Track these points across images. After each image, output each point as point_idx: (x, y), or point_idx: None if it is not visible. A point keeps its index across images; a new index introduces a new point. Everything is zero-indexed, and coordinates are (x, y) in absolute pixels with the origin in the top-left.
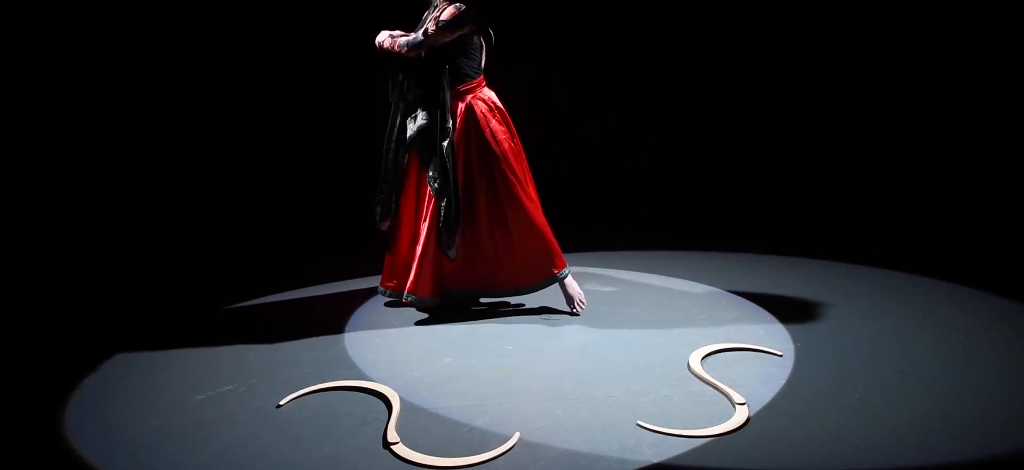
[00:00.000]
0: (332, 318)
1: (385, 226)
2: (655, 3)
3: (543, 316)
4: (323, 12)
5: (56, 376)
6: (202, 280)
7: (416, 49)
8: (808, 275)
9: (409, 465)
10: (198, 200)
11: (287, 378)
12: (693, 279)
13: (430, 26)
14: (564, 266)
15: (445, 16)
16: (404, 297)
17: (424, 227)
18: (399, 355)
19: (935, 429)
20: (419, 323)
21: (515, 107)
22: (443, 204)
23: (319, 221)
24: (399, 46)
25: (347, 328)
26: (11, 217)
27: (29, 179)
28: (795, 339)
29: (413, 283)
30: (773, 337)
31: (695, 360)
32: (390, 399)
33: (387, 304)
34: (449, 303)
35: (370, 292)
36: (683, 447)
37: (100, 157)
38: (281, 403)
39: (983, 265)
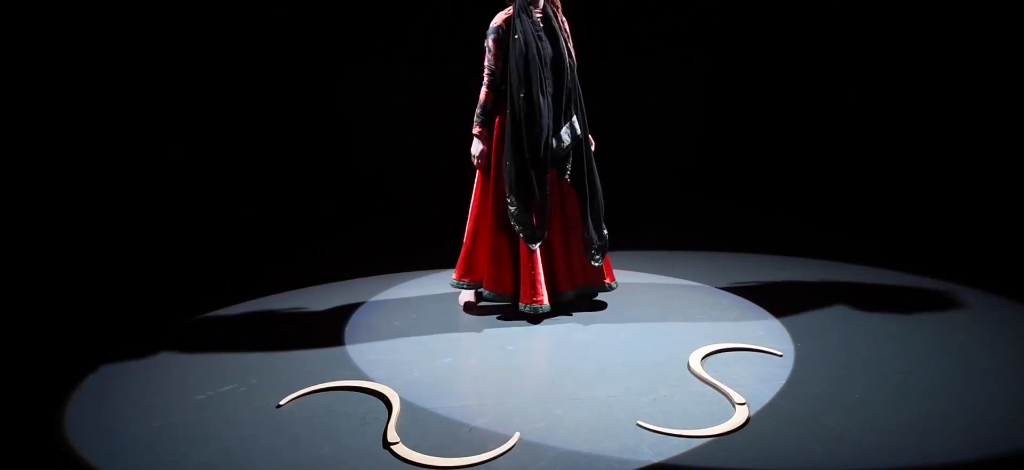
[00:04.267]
0: (332, 318)
1: (539, 244)
2: (663, 2)
3: (543, 316)
4: (324, 11)
5: (56, 376)
6: (203, 280)
7: None
8: (808, 275)
9: (409, 465)
10: (198, 200)
11: (287, 378)
12: (693, 279)
13: (573, 48)
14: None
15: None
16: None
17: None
18: (399, 355)
19: (935, 429)
20: (419, 323)
21: None
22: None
23: (319, 221)
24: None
25: (347, 328)
26: (13, 216)
27: (30, 179)
28: (795, 339)
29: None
30: (773, 337)
31: (695, 360)
32: (390, 399)
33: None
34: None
35: (371, 292)
36: (683, 447)
37: (101, 157)
38: (281, 403)
39: (983, 265)
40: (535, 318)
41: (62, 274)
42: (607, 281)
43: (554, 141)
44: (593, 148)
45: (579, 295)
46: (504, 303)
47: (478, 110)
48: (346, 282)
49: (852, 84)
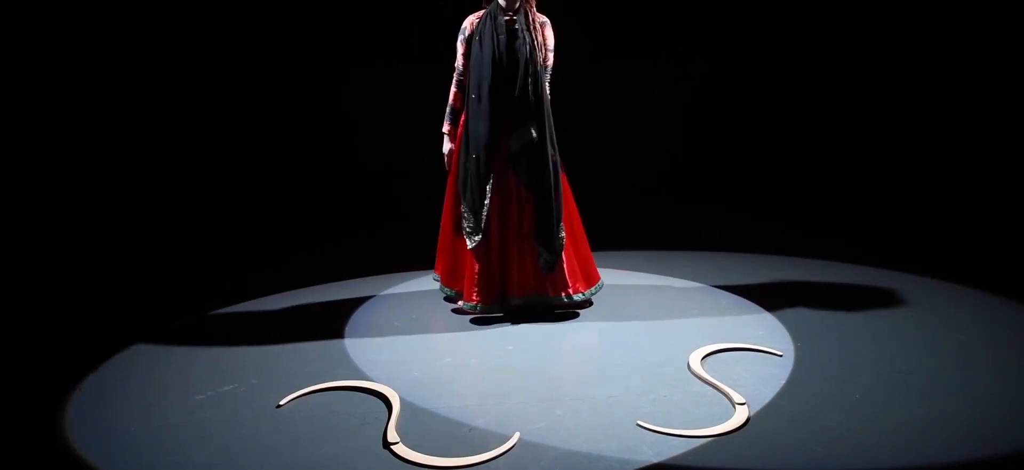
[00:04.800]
0: (332, 318)
1: (474, 244)
2: (663, 2)
3: (543, 316)
4: (324, 11)
5: (57, 376)
6: (203, 280)
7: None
8: (808, 275)
9: (409, 465)
10: (198, 200)
11: (287, 378)
12: (693, 279)
13: (550, 57)
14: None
15: (552, 39)
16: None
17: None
18: (399, 355)
19: (935, 429)
20: (419, 323)
21: None
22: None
23: (319, 221)
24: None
25: (347, 328)
26: (12, 218)
27: (30, 180)
28: (795, 339)
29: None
30: (773, 337)
31: (695, 360)
32: (390, 399)
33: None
34: (508, 311)
35: (370, 292)
36: (683, 447)
37: (100, 158)
38: (281, 403)
39: (983, 265)
40: (477, 319)
41: (62, 274)
42: (567, 293)
43: (500, 144)
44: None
45: (528, 304)
46: (456, 298)
47: (447, 110)
48: (346, 282)
49: (852, 83)
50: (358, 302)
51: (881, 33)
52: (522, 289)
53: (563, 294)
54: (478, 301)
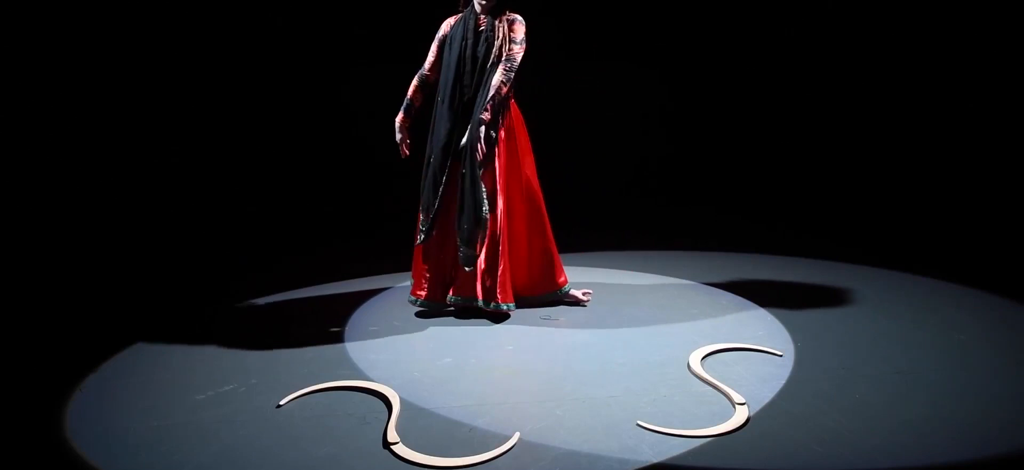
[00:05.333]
0: (332, 318)
1: (421, 242)
2: (652, 4)
3: (543, 316)
4: (325, 11)
5: (57, 376)
6: (203, 280)
7: (512, 76)
8: (808, 275)
9: (409, 465)
10: (198, 200)
11: (287, 378)
12: (692, 279)
13: (516, 49)
14: (567, 281)
15: (521, 34)
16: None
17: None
18: (399, 355)
19: (935, 429)
20: (419, 323)
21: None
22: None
23: (319, 221)
24: (505, 89)
25: (347, 328)
26: (12, 219)
27: (31, 180)
28: (795, 339)
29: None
30: (773, 337)
31: (695, 360)
32: (390, 399)
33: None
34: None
35: (370, 292)
36: (683, 447)
37: (101, 158)
38: (281, 403)
39: (983, 265)
40: (421, 312)
41: (62, 275)
42: (495, 301)
43: (453, 143)
44: (479, 154)
45: (460, 305)
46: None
47: (404, 102)
48: (347, 281)
49: (853, 83)
50: (358, 302)
51: (880, 33)
52: (458, 290)
53: (484, 300)
54: (421, 296)
